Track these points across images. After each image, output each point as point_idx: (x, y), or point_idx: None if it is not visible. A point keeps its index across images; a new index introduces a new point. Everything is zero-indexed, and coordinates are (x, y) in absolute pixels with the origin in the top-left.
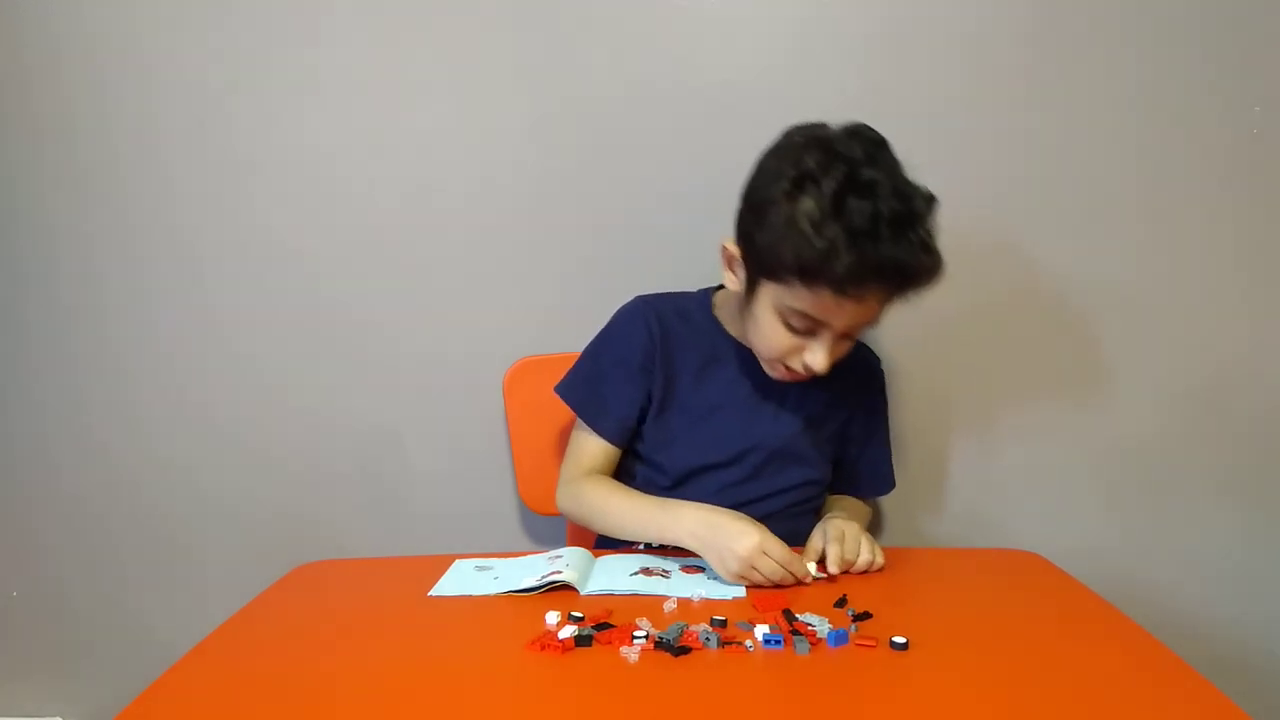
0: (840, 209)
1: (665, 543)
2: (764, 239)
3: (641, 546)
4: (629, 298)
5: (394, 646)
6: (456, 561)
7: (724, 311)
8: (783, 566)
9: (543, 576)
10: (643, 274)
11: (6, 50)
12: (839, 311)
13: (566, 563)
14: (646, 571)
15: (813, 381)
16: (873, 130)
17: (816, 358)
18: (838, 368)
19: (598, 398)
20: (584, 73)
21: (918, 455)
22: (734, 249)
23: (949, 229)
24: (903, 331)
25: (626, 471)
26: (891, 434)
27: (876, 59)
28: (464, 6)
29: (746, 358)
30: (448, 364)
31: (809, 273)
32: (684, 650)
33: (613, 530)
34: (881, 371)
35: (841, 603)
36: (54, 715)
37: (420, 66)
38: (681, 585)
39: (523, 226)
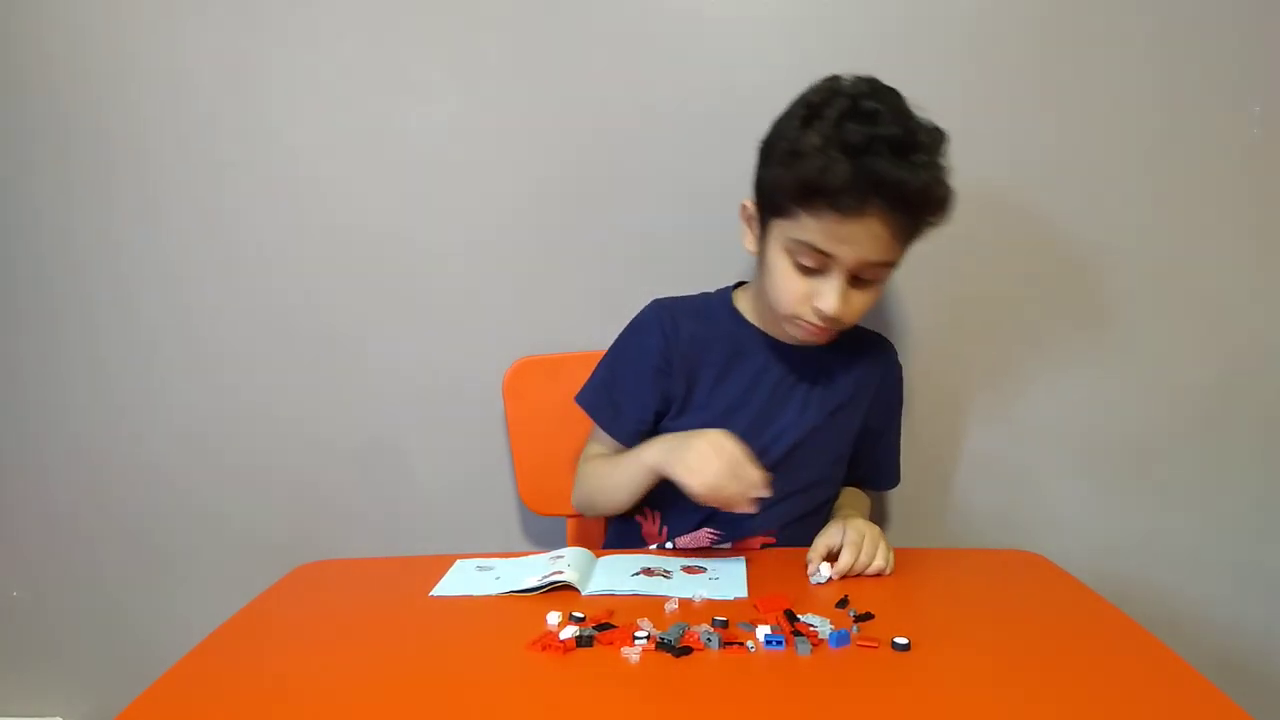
0: (840, 132)
1: (645, 478)
2: (769, 174)
3: (654, 546)
4: (628, 297)
5: (394, 646)
6: (458, 562)
7: (746, 304)
8: (737, 469)
9: (544, 577)
10: (643, 273)
11: (8, 52)
12: (845, 238)
13: (568, 563)
14: (648, 572)
15: (834, 372)
16: (884, 83)
17: (828, 300)
18: (859, 357)
19: (611, 404)
20: (584, 73)
21: (919, 455)
22: (750, 204)
23: (952, 223)
24: (904, 328)
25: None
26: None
27: (881, 55)
28: (463, 7)
29: (772, 346)
30: (447, 365)
31: (808, 192)
32: (685, 651)
33: (610, 496)
34: (899, 364)
35: (843, 603)
36: (54, 715)
37: (419, 67)
38: (683, 586)
39: (523, 227)
